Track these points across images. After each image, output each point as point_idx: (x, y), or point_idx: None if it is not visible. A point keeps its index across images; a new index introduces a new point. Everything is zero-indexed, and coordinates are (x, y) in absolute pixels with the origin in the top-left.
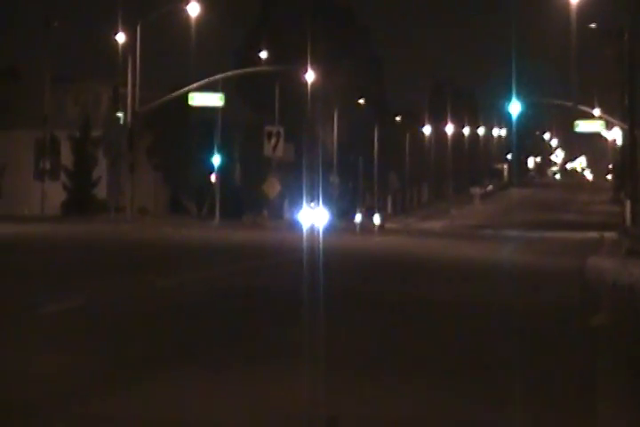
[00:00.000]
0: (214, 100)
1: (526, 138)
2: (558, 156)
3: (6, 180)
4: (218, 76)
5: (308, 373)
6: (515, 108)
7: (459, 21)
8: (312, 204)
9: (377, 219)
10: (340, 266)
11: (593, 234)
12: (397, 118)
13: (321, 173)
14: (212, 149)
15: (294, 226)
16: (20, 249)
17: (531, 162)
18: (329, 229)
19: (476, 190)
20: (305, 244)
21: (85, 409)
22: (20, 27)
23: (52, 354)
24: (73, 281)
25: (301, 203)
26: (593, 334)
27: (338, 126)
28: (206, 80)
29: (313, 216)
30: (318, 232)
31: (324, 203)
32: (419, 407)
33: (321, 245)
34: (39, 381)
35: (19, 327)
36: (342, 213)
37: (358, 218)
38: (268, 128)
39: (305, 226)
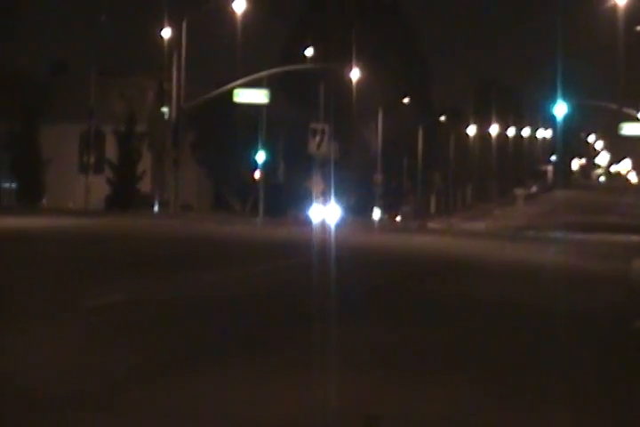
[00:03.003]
0: (259, 96)
1: (571, 140)
2: (603, 158)
3: (51, 173)
4: (263, 73)
5: (352, 368)
6: (560, 109)
7: (505, 21)
8: (322, 199)
9: (399, 216)
10: (385, 265)
11: (637, 237)
12: (442, 118)
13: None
14: (257, 145)
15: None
16: (65, 243)
17: (575, 164)
18: (345, 226)
19: (520, 192)
20: (335, 241)
21: (127, 400)
22: (68, 21)
23: (96, 348)
24: (117, 275)
25: (318, 199)
26: (638, 337)
27: (382, 125)
28: (251, 77)
29: (324, 212)
30: (333, 229)
31: (338, 199)
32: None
33: (354, 243)
34: (83, 373)
35: (64, 321)
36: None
37: (376, 214)
38: (313, 125)
39: (315, 222)
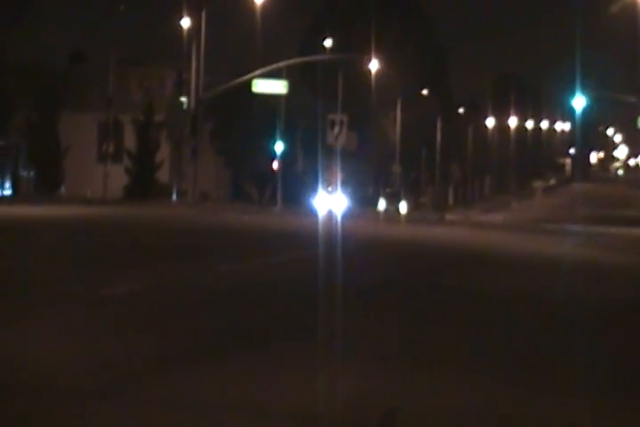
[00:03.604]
0: (278, 87)
1: (590, 133)
2: (621, 151)
3: (69, 162)
4: (282, 64)
5: (371, 359)
6: (578, 102)
7: (524, 13)
8: (329, 188)
9: (403, 207)
10: (404, 257)
11: None
12: (461, 110)
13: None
14: (275, 135)
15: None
16: (84, 231)
17: (593, 157)
18: (356, 217)
19: (539, 184)
20: (352, 232)
21: (142, 390)
22: (87, 10)
23: (112, 337)
24: (135, 264)
25: (334, 190)
26: None
27: (401, 116)
28: (270, 67)
29: (330, 202)
30: (340, 219)
31: (346, 189)
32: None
33: (369, 234)
34: (100, 362)
35: (81, 310)
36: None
37: (381, 205)
38: (332, 116)
39: (321, 212)
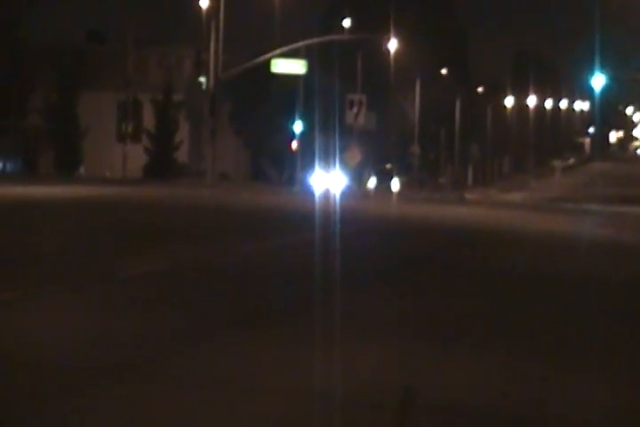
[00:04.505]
0: (297, 67)
1: (609, 112)
2: None
3: (89, 142)
4: (300, 44)
5: (390, 337)
6: (598, 81)
7: None
8: (350, 168)
9: (395, 184)
10: (423, 235)
11: None
12: (480, 89)
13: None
14: (294, 115)
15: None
16: (104, 212)
17: (613, 136)
18: (349, 195)
19: (558, 163)
20: (364, 210)
21: (160, 368)
22: None
23: (132, 315)
24: (156, 245)
25: (329, 166)
26: None
27: (420, 96)
28: (289, 47)
29: (328, 181)
30: (338, 198)
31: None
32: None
33: (386, 213)
34: (124, 342)
35: (105, 290)
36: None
37: (372, 183)
38: (350, 96)
39: (318, 191)
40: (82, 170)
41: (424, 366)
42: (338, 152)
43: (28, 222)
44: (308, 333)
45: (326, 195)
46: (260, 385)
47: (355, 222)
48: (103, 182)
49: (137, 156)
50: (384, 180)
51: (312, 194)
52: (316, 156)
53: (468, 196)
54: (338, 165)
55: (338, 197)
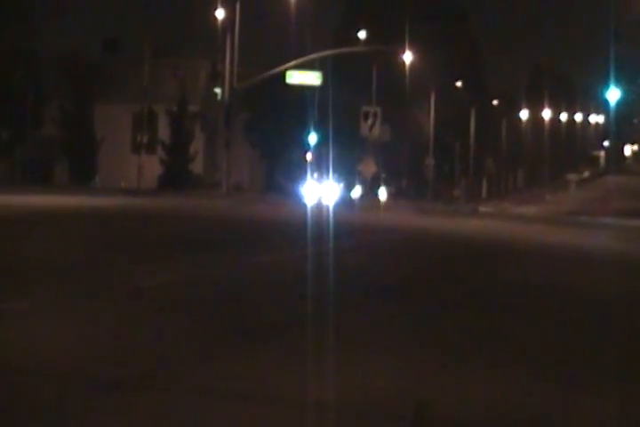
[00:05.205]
0: (312, 78)
1: (624, 125)
2: None
3: (104, 152)
4: (315, 55)
5: (410, 351)
6: (612, 94)
7: (558, 5)
8: (315, 175)
9: (382, 193)
10: (439, 248)
11: None
12: (494, 102)
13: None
14: (309, 127)
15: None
16: (118, 222)
17: (627, 150)
18: (342, 207)
19: (572, 177)
20: (374, 221)
21: (179, 382)
22: (121, 1)
23: (143, 328)
24: (168, 255)
25: (323, 177)
26: None
27: (434, 108)
28: (304, 58)
29: (320, 191)
30: (343, 209)
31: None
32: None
33: (405, 226)
34: (137, 354)
35: (116, 300)
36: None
37: (357, 192)
38: (365, 108)
39: (310, 202)
40: (97, 180)
41: (439, 380)
42: (341, 165)
43: (42, 232)
44: (320, 346)
45: (320, 206)
46: (275, 397)
47: (367, 234)
48: (118, 193)
49: (152, 166)
50: (370, 189)
51: (305, 205)
52: (330, 167)
53: (482, 208)
54: (334, 175)
55: (335, 208)
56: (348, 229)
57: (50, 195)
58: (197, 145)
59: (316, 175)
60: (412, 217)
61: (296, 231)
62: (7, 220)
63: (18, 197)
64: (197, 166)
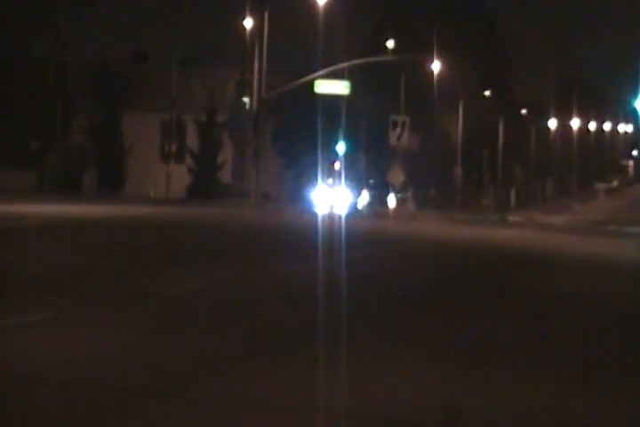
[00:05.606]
0: (340, 88)
1: None
2: None
3: (132, 161)
4: (344, 64)
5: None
6: None
7: (588, 14)
8: (330, 180)
9: (391, 201)
10: (468, 257)
11: None
12: (523, 111)
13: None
14: (337, 136)
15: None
16: (148, 231)
17: None
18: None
19: (601, 186)
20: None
21: (204, 389)
22: (150, 11)
23: (173, 334)
24: (197, 264)
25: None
26: None
27: (463, 117)
28: (332, 68)
29: (332, 197)
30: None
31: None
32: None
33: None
34: (167, 363)
35: (147, 308)
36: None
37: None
38: (394, 117)
39: (320, 210)
40: (126, 189)
41: (467, 389)
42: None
43: (70, 241)
44: (345, 356)
45: (333, 215)
46: (302, 406)
47: (395, 243)
48: (147, 202)
49: (180, 175)
50: (378, 196)
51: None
52: (363, 176)
53: (510, 218)
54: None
55: (350, 217)
56: (381, 239)
57: (79, 204)
58: (225, 154)
59: (330, 181)
60: (441, 226)
61: (328, 242)
62: (37, 229)
63: (48, 207)
64: (225, 175)
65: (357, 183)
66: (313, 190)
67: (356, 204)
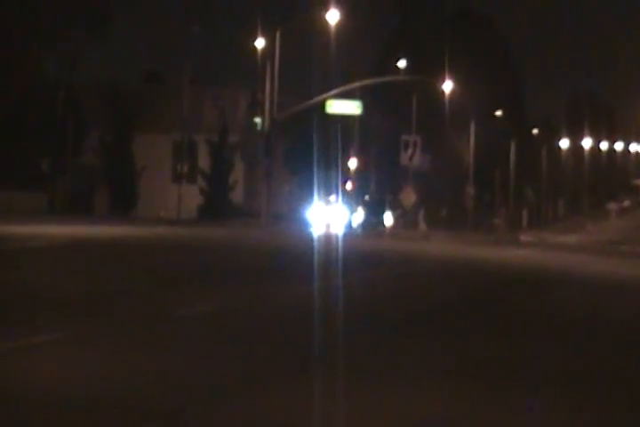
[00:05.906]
0: (352, 108)
1: None
2: None
3: (144, 182)
4: (355, 85)
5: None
6: None
7: (598, 33)
8: (331, 197)
9: (388, 219)
10: (482, 276)
11: None
12: (534, 131)
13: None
14: (349, 156)
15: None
16: (158, 252)
17: None
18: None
19: (613, 206)
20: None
21: (206, 411)
22: (161, 32)
23: (179, 355)
24: (206, 285)
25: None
26: None
27: (474, 137)
28: (344, 88)
29: (328, 215)
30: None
31: (353, 199)
32: None
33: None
34: (176, 385)
35: (156, 331)
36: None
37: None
38: (405, 137)
39: (315, 228)
40: (137, 209)
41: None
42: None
43: (82, 262)
44: (359, 377)
45: (329, 235)
46: None
47: (409, 262)
48: (158, 223)
49: (192, 196)
50: (373, 213)
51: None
52: (372, 195)
53: (522, 238)
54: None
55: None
56: (392, 258)
57: (90, 225)
58: (237, 174)
59: (333, 198)
60: (453, 247)
61: (342, 261)
62: (41, 250)
63: (58, 228)
64: (237, 196)
65: (355, 200)
66: (308, 209)
67: (350, 222)
